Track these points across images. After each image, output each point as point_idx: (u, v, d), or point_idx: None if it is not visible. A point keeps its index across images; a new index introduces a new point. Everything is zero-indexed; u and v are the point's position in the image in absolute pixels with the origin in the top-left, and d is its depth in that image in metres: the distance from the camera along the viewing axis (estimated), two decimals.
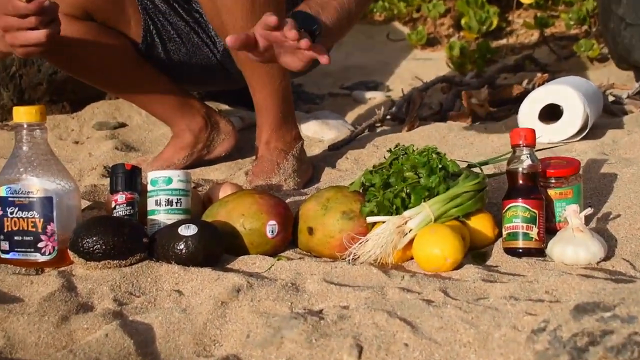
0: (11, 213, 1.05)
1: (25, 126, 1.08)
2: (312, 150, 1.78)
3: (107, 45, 1.56)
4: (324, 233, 1.09)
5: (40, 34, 1.19)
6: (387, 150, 1.19)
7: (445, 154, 1.13)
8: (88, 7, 1.50)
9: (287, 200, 1.27)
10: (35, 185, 1.05)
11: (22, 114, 1.09)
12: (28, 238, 1.04)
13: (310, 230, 1.10)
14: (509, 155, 1.12)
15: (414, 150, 1.14)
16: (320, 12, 1.16)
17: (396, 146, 1.18)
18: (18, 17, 1.17)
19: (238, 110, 2.07)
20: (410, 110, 1.93)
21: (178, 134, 1.67)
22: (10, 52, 1.27)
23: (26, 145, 1.08)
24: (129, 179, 1.13)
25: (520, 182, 1.08)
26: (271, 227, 1.09)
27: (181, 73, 1.65)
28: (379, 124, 1.97)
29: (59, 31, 1.23)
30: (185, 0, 1.62)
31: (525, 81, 2.09)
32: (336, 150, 1.76)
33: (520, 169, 1.08)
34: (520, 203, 1.06)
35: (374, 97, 2.50)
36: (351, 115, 2.29)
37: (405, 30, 3.23)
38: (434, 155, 1.11)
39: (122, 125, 2.06)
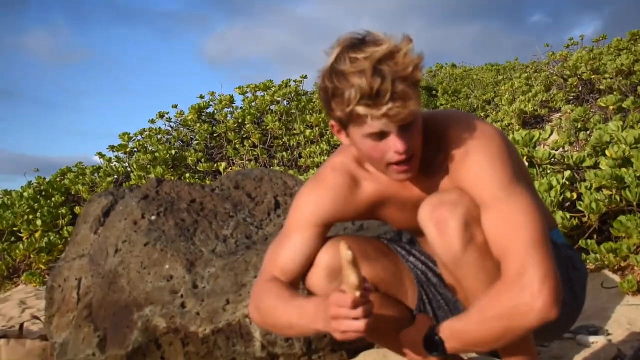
0: None
1: None
2: None
3: (389, 315, 1.96)
4: None
5: (361, 324, 1.48)
6: None
7: None
8: (375, 281, 1.95)
9: None
10: None
11: None
12: None
13: None
14: None
15: None
16: (450, 338, 1.64)
17: None
18: (349, 308, 1.48)
19: None
20: None
21: None
22: (326, 332, 1.58)
23: None
24: None
25: None
26: None
27: None
28: None
29: (373, 319, 1.51)
30: None
31: None
32: None
33: None
34: None
35: (597, 341, 2.80)
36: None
37: (616, 278, 3.66)
38: None
39: None
